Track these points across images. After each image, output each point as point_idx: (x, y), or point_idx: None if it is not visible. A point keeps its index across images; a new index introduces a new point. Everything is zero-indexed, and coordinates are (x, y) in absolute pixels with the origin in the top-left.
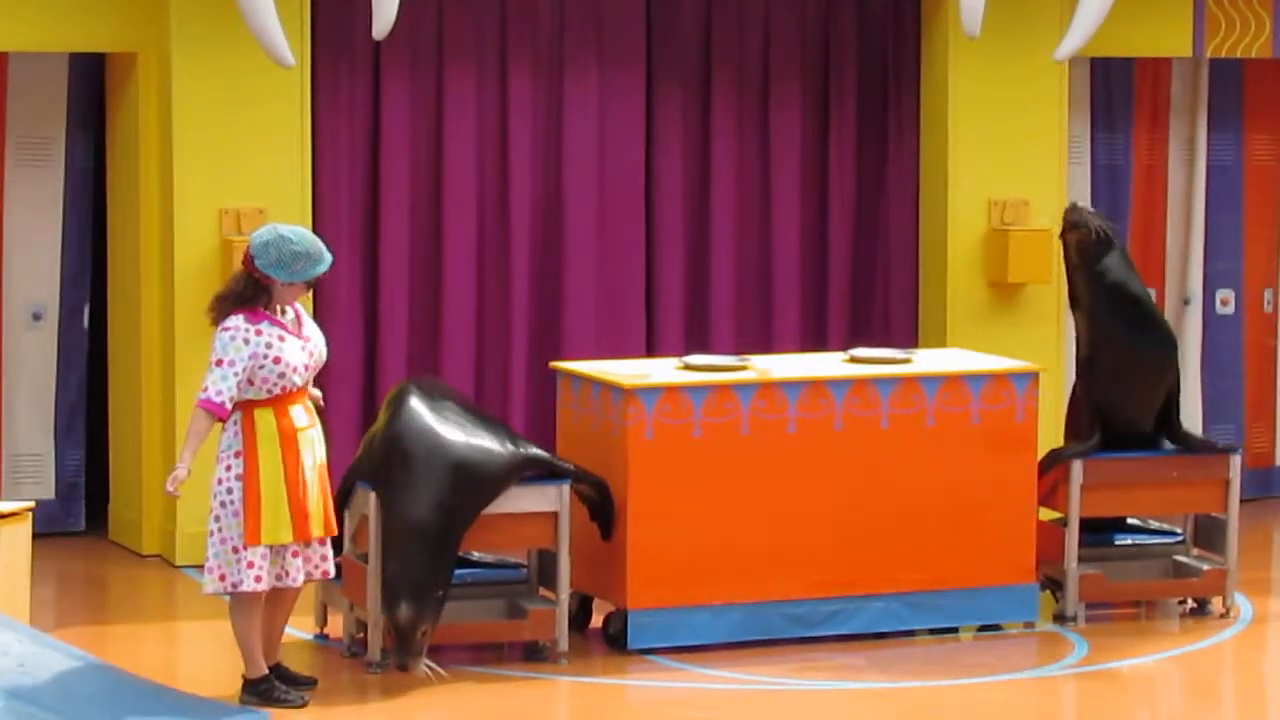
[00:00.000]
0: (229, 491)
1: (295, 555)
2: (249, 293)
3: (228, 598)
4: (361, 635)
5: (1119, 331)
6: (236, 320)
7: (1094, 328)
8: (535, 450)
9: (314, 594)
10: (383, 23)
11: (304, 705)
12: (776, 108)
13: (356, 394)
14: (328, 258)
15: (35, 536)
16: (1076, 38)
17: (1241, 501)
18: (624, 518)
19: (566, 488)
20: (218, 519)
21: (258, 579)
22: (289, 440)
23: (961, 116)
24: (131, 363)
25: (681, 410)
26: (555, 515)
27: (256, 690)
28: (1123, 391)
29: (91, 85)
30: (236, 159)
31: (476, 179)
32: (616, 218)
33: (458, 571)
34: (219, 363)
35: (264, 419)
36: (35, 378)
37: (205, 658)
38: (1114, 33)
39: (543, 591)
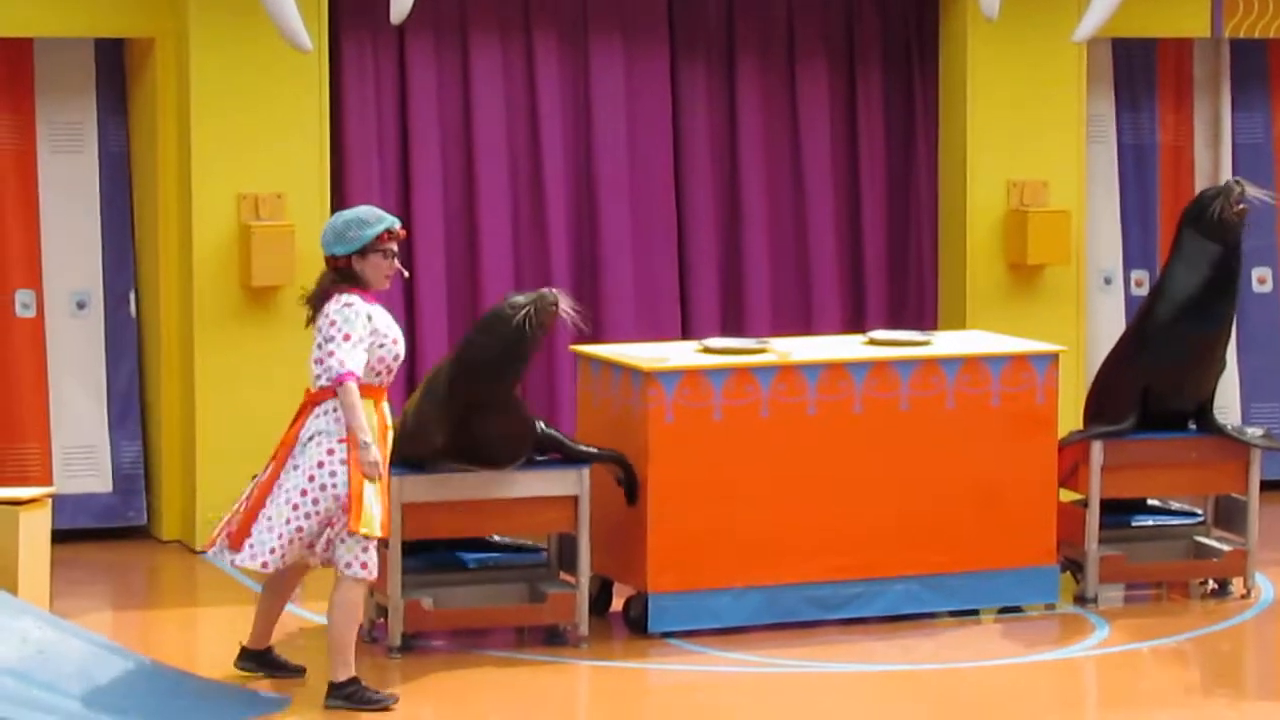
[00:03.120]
0: (331, 475)
1: (329, 542)
2: (335, 285)
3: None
4: (382, 620)
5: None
6: (353, 296)
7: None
8: (550, 431)
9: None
10: (400, 8)
11: (392, 706)
12: (802, 85)
13: (397, 381)
14: (386, 218)
15: (90, 532)
16: (1095, 18)
17: (1273, 484)
18: (644, 501)
19: (586, 472)
20: (316, 500)
21: (364, 565)
22: (383, 436)
23: (980, 98)
24: (152, 347)
25: (701, 393)
26: (575, 499)
27: (343, 694)
28: (1186, 376)
29: (119, 69)
30: (255, 144)
31: (508, 160)
32: (648, 202)
33: (477, 555)
34: (345, 337)
35: (367, 411)
36: (84, 367)
37: (225, 643)
38: (1133, 13)
39: (563, 575)
